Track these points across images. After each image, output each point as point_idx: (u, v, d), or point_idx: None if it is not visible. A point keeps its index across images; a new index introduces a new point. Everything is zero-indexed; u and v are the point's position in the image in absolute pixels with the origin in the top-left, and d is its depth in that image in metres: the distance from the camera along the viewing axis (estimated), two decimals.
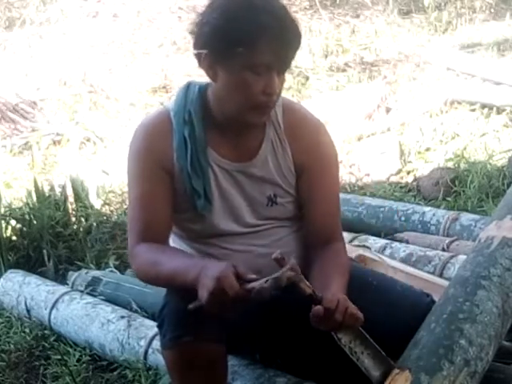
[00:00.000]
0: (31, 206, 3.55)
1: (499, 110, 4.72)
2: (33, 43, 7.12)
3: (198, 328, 1.69)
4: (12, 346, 2.65)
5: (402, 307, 1.82)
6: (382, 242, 2.86)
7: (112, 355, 2.43)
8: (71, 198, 3.66)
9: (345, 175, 4.05)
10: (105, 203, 3.81)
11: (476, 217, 3.02)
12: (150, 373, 2.28)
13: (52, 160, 4.87)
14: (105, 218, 3.64)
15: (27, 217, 3.44)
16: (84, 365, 2.46)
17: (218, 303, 1.53)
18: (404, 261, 2.64)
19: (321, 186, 1.84)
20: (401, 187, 3.87)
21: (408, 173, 4.09)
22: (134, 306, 2.61)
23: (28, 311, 2.76)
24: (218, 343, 1.74)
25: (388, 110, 5.03)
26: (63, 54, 6.71)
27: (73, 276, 2.90)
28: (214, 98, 1.77)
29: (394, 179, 4.03)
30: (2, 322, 2.81)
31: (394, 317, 1.76)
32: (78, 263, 3.19)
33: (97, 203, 3.75)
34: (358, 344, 1.64)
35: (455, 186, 3.66)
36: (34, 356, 2.59)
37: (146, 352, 2.32)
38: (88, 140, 5.10)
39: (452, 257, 2.62)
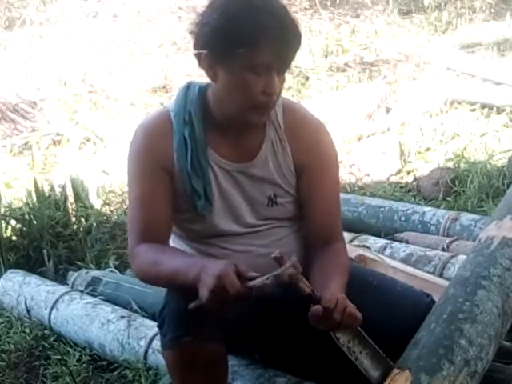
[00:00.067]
0: (31, 206, 3.55)
1: (499, 110, 4.72)
2: (33, 43, 7.12)
3: (198, 328, 1.69)
4: (12, 346, 2.65)
5: (402, 307, 1.82)
6: (382, 241, 2.86)
7: (112, 355, 2.43)
8: (71, 198, 3.66)
9: (345, 175, 4.05)
10: (105, 203, 3.81)
11: (476, 217, 3.02)
12: (150, 373, 2.28)
13: (52, 160, 4.87)
14: (105, 218, 3.64)
15: (27, 217, 3.44)
16: (84, 365, 2.46)
17: (218, 301, 1.54)
18: (404, 261, 2.64)
19: (321, 185, 1.84)
20: (401, 187, 3.87)
21: (408, 173, 4.09)
22: (134, 306, 2.61)
23: (28, 311, 2.76)
24: (218, 343, 1.74)
25: (388, 110, 5.03)
26: (63, 54, 6.71)
27: (73, 276, 2.90)
28: (214, 99, 1.77)
29: (394, 179, 4.03)
30: (2, 322, 2.81)
31: (393, 317, 1.76)
32: (78, 263, 3.19)
33: (97, 203, 3.75)
34: (357, 344, 1.64)
35: (455, 185, 3.66)
36: (33, 356, 2.59)
37: (145, 352, 2.32)
38: (88, 140, 5.10)
39: (452, 257, 2.62)
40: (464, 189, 3.62)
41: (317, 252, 1.81)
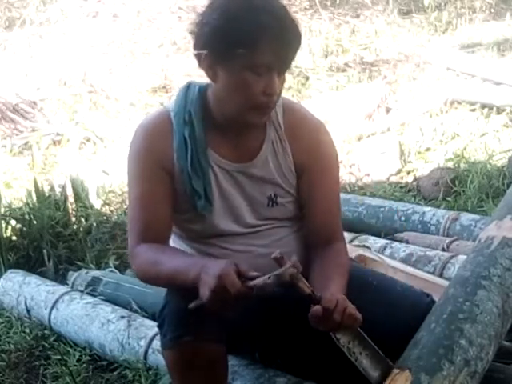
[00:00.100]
0: (31, 206, 3.55)
1: (499, 110, 4.72)
2: (33, 43, 7.12)
3: (198, 328, 1.69)
4: (12, 346, 2.65)
5: (402, 307, 1.82)
6: (382, 241, 2.86)
7: (112, 355, 2.43)
8: (71, 198, 3.66)
9: (345, 175, 4.05)
10: (105, 203, 3.81)
11: (476, 217, 3.02)
12: (150, 373, 2.28)
13: (52, 160, 4.87)
14: (105, 218, 3.64)
15: (27, 217, 3.44)
16: (84, 365, 2.46)
17: (219, 301, 1.54)
18: (404, 261, 2.64)
19: (321, 185, 1.84)
20: (401, 187, 3.87)
21: (408, 173, 4.09)
22: (134, 306, 2.61)
23: (28, 311, 2.76)
24: (218, 343, 1.74)
25: (388, 110, 5.03)
26: (63, 54, 6.71)
27: (73, 276, 2.90)
28: (214, 99, 1.77)
29: (394, 179, 4.03)
30: (2, 322, 2.81)
31: (393, 317, 1.76)
32: (78, 263, 3.19)
33: (97, 203, 3.75)
34: (357, 344, 1.64)
35: (455, 185, 3.66)
36: (34, 356, 2.59)
37: (146, 352, 2.32)
38: (88, 140, 5.10)
39: (452, 257, 2.62)
40: (464, 189, 3.62)
41: (317, 252, 1.82)
